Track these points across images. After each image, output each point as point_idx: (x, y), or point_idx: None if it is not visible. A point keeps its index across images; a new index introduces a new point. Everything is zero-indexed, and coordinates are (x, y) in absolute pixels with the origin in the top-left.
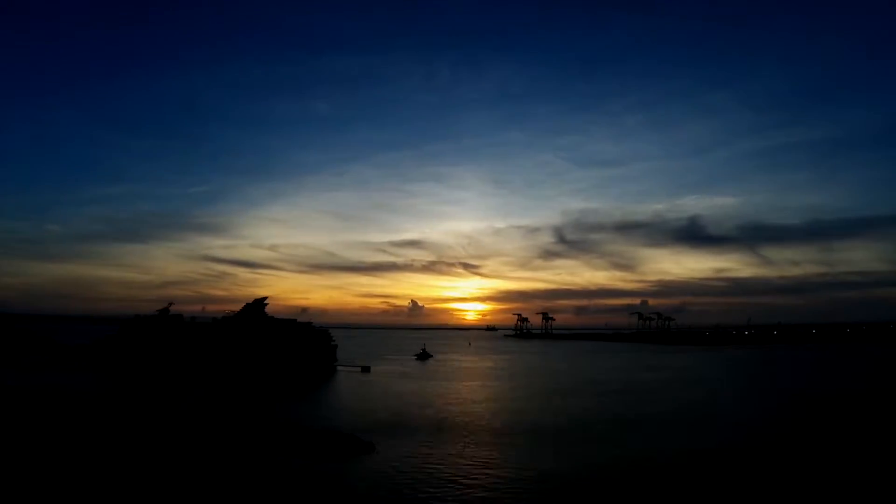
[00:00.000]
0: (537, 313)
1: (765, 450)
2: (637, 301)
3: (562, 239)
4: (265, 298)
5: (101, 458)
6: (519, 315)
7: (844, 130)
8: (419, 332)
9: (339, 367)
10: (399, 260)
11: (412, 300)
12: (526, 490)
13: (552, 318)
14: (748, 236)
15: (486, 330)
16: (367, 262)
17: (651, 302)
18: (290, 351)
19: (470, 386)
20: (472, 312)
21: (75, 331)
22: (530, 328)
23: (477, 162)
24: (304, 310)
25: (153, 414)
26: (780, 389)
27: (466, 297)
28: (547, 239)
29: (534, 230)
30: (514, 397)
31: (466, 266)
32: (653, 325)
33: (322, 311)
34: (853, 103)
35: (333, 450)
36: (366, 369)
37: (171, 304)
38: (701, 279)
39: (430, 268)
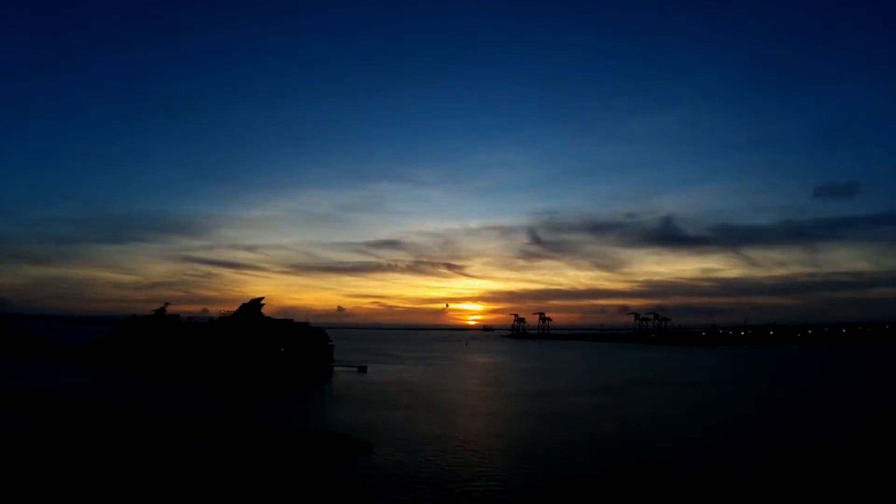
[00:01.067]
0: (534, 314)
1: None
2: (626, 301)
3: (536, 240)
4: (261, 299)
5: (100, 456)
6: (516, 315)
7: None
8: (413, 333)
9: (335, 368)
10: (381, 260)
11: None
12: (523, 490)
13: (549, 319)
14: (725, 236)
15: (482, 331)
16: (350, 263)
17: (641, 303)
18: (287, 351)
19: (466, 386)
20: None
21: (52, 329)
22: (527, 328)
23: (444, 162)
24: (290, 310)
25: (150, 412)
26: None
27: (455, 298)
28: (522, 239)
29: (508, 231)
30: (511, 397)
31: (451, 266)
32: (650, 325)
33: (308, 311)
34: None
35: (330, 449)
36: (362, 369)
37: (167, 304)
38: (690, 279)
39: (414, 268)
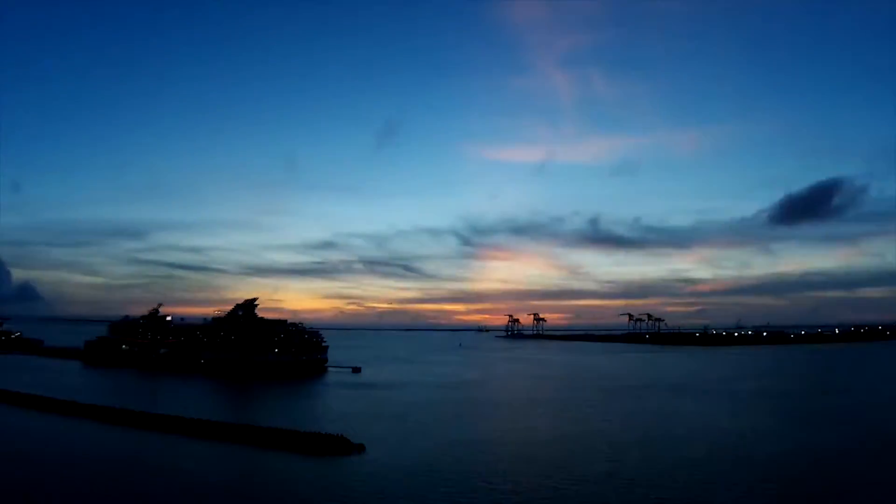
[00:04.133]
0: (529, 314)
1: None
2: (604, 302)
3: (467, 241)
4: (255, 299)
5: (100, 456)
6: (510, 316)
7: None
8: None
9: (330, 368)
10: (327, 261)
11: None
12: (520, 490)
13: (543, 319)
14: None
15: (477, 332)
16: (302, 264)
17: (619, 303)
18: (281, 350)
19: (462, 386)
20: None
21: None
22: (521, 329)
23: (365, 162)
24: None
25: (150, 414)
26: None
27: (425, 298)
28: (455, 240)
29: (438, 232)
30: (506, 399)
31: (407, 268)
32: (644, 325)
33: (294, 313)
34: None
35: (324, 450)
36: (356, 370)
37: (160, 304)
38: (669, 280)
39: (373, 270)
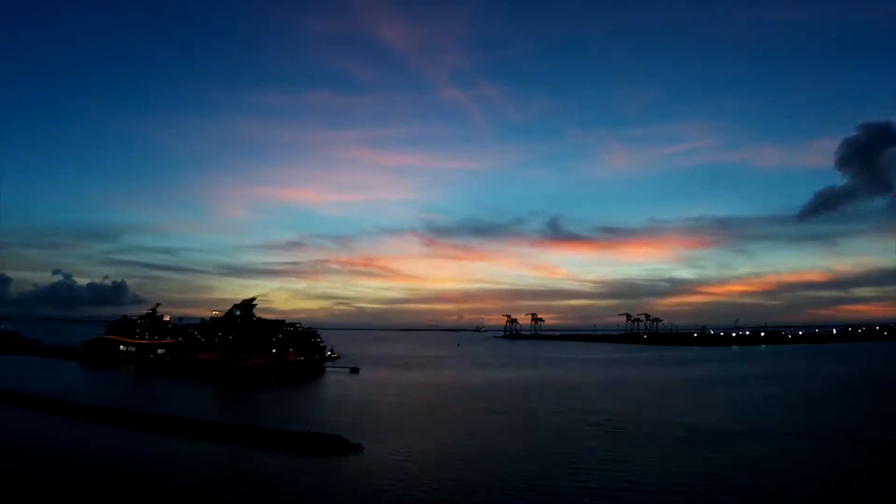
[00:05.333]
0: (527, 314)
1: None
2: (591, 302)
3: (430, 241)
4: (254, 299)
5: (100, 457)
6: (509, 316)
7: None
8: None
9: (328, 368)
10: (303, 261)
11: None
12: (517, 489)
13: (541, 320)
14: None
15: (475, 331)
16: (277, 264)
17: (603, 303)
18: (278, 350)
19: (458, 386)
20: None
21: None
22: (519, 329)
23: (318, 162)
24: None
25: (149, 415)
26: None
27: (409, 298)
28: (417, 240)
29: (396, 232)
30: (503, 399)
31: (387, 269)
32: (641, 325)
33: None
34: None
35: (323, 450)
36: (354, 370)
37: (157, 304)
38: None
39: (353, 270)
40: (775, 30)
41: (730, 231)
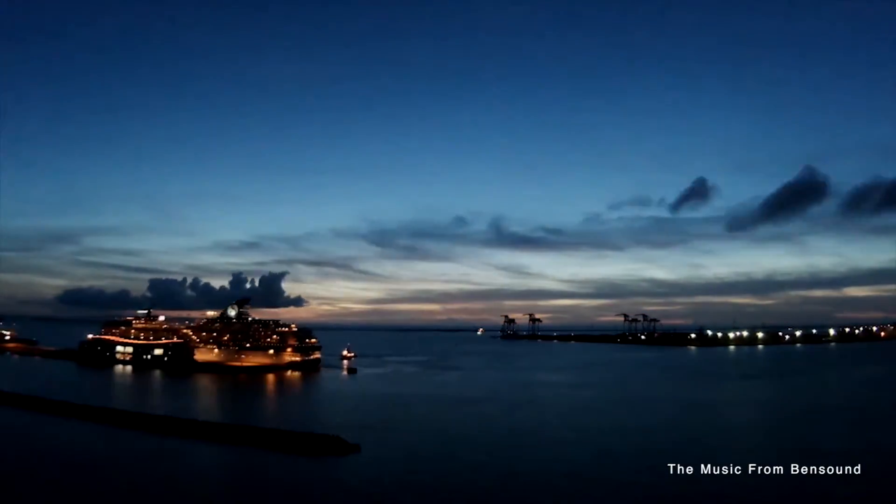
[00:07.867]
0: (525, 314)
1: None
2: (576, 302)
3: (379, 242)
4: (248, 299)
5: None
6: (506, 316)
7: None
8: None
9: (325, 368)
10: (263, 261)
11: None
12: (514, 487)
13: (538, 320)
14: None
15: (473, 332)
16: (242, 265)
17: (592, 304)
18: (275, 350)
19: (456, 386)
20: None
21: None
22: (517, 329)
23: (258, 163)
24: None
25: (149, 415)
26: None
27: (388, 299)
28: (365, 243)
29: (344, 234)
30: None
31: (359, 271)
32: (639, 326)
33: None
34: None
35: (320, 450)
36: (352, 371)
37: (153, 305)
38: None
39: (321, 272)
40: None
41: None
